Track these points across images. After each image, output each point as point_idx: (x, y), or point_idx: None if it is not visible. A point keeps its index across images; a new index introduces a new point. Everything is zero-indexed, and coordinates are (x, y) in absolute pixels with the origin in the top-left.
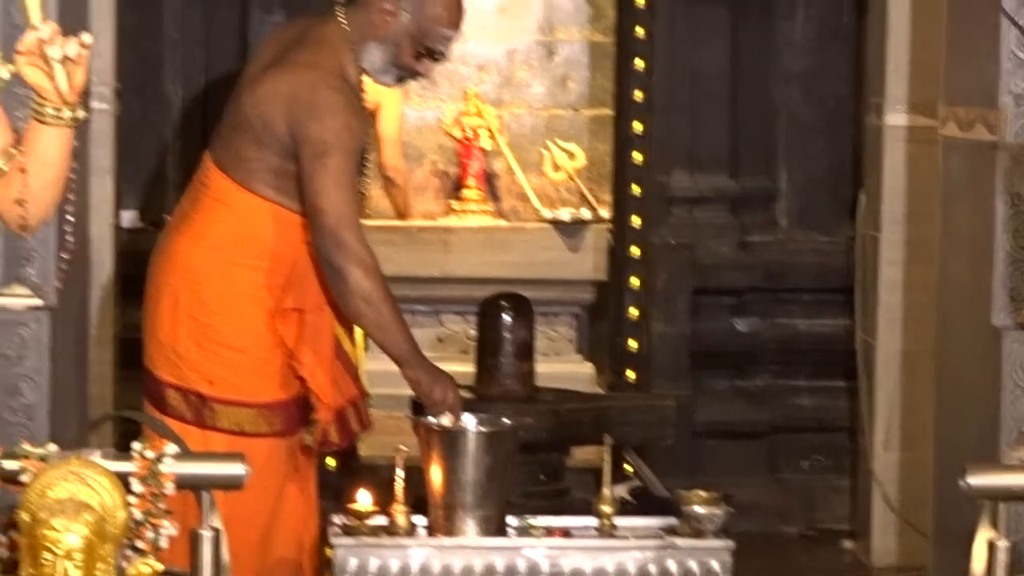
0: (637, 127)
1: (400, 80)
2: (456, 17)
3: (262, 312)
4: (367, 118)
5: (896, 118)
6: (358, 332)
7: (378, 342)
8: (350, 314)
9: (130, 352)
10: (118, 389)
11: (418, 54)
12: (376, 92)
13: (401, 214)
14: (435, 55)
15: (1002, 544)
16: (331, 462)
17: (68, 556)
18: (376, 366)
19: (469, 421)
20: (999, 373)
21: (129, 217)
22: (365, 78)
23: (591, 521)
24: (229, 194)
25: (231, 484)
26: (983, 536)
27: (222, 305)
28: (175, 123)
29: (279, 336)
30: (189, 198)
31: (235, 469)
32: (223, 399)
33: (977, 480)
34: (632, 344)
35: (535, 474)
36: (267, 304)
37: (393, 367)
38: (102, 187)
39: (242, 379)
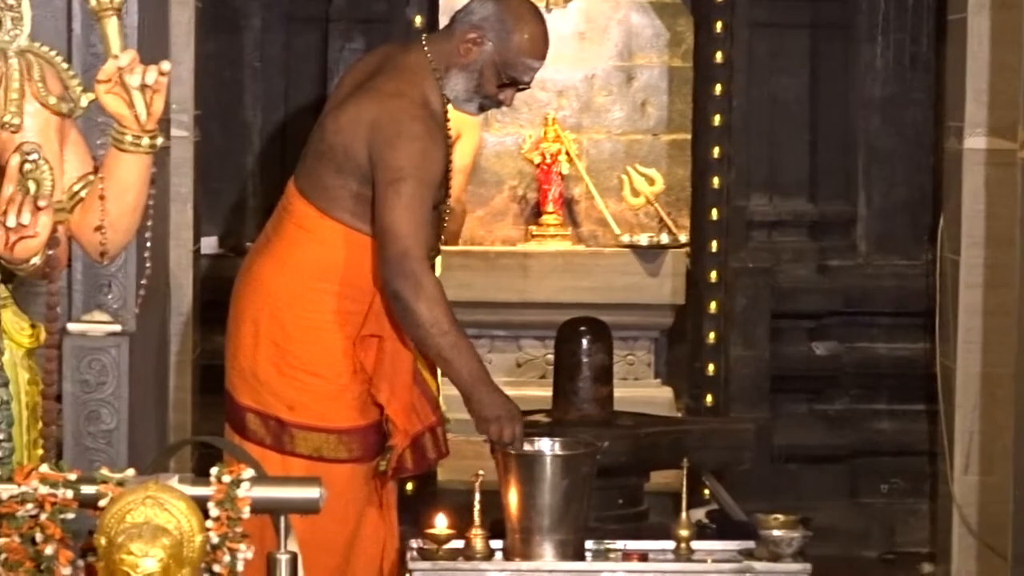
0: (716, 152)
1: (483, 109)
2: (541, 48)
3: (342, 338)
4: (450, 147)
5: (975, 141)
6: None
7: (443, 371)
8: (414, 342)
9: (210, 378)
10: (198, 415)
11: (502, 83)
12: (456, 122)
13: (450, 240)
14: (519, 85)
15: None
16: (409, 486)
17: None
18: (453, 391)
19: (546, 445)
20: None
21: (209, 244)
22: (449, 106)
23: (668, 545)
24: (310, 220)
25: (307, 508)
26: None
27: (303, 331)
28: (255, 150)
29: (359, 362)
30: (272, 224)
31: (311, 493)
32: (302, 424)
33: None
34: (710, 368)
35: (613, 498)
36: (347, 331)
37: None
38: (182, 214)
39: (321, 405)
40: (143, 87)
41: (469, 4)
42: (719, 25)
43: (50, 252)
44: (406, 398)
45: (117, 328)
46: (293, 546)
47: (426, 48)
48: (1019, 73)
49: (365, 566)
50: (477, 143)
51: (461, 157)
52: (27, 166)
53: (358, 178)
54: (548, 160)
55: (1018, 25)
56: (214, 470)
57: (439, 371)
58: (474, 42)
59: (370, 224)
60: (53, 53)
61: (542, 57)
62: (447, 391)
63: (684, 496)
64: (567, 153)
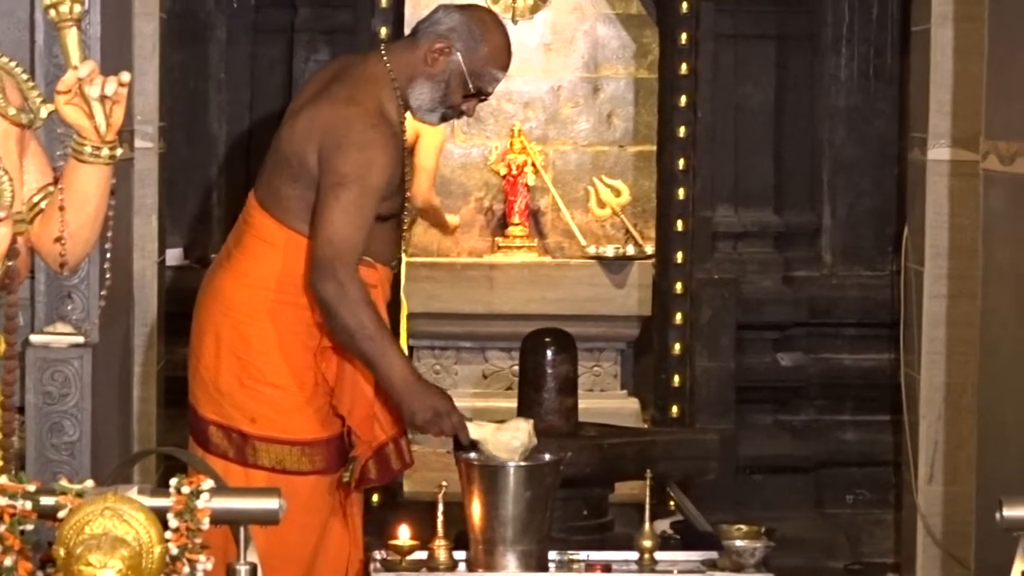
0: (681, 163)
1: (444, 119)
2: (506, 59)
3: (303, 350)
4: (405, 157)
5: (939, 153)
6: None
7: (373, 375)
8: (342, 347)
9: (175, 390)
10: (162, 427)
11: (466, 93)
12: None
13: (443, 231)
14: (482, 95)
15: None
16: (375, 498)
17: None
18: None
19: None
20: None
21: (174, 255)
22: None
23: (633, 556)
24: (270, 231)
25: (267, 519)
26: (1019, 568)
27: (264, 343)
28: (220, 161)
29: (320, 374)
30: (234, 236)
31: (271, 504)
32: (265, 437)
33: (1013, 512)
34: (676, 379)
35: (578, 509)
36: (309, 342)
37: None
38: (147, 225)
39: (284, 417)
40: (103, 98)
41: (434, 15)
42: (684, 36)
43: (9, 263)
44: (367, 409)
45: (80, 339)
46: (253, 557)
47: (385, 58)
48: (982, 84)
49: None
50: (440, 143)
51: (424, 157)
52: None
53: (312, 187)
54: (514, 172)
55: (981, 37)
56: (173, 481)
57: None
58: (442, 52)
59: None
60: (13, 64)
61: (506, 68)
62: None
63: (648, 507)
64: (533, 165)
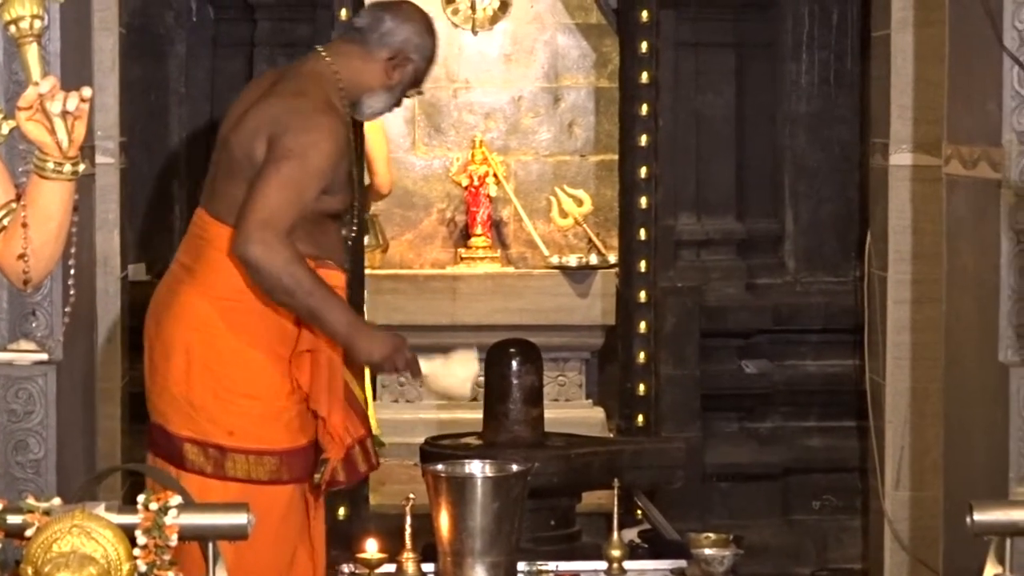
0: (643, 171)
1: (379, 115)
2: (437, 50)
3: (276, 359)
4: (352, 150)
5: (901, 158)
6: (367, 374)
7: (319, 328)
8: (283, 307)
9: (139, 406)
10: (127, 443)
11: (405, 93)
12: None
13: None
14: (418, 89)
15: None
16: (341, 512)
17: None
18: (387, 415)
19: (477, 467)
20: (1007, 410)
21: (137, 270)
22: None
23: (601, 565)
24: (224, 239)
25: (236, 534)
26: (990, 572)
27: (236, 354)
28: (182, 176)
29: (294, 382)
30: (189, 254)
31: (239, 519)
32: (243, 449)
33: (983, 516)
34: (641, 388)
35: (546, 519)
36: (281, 350)
37: (404, 415)
38: (109, 241)
39: (260, 428)
40: (64, 114)
41: (381, 23)
42: (644, 45)
43: None
44: (341, 410)
45: (44, 357)
46: (222, 573)
47: (328, 58)
48: (943, 89)
49: None
50: (383, 127)
51: (376, 145)
52: None
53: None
54: (476, 182)
55: (941, 41)
56: (141, 498)
57: (368, 387)
58: (401, 64)
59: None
60: None
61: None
62: (381, 415)
63: (616, 516)
64: (495, 175)
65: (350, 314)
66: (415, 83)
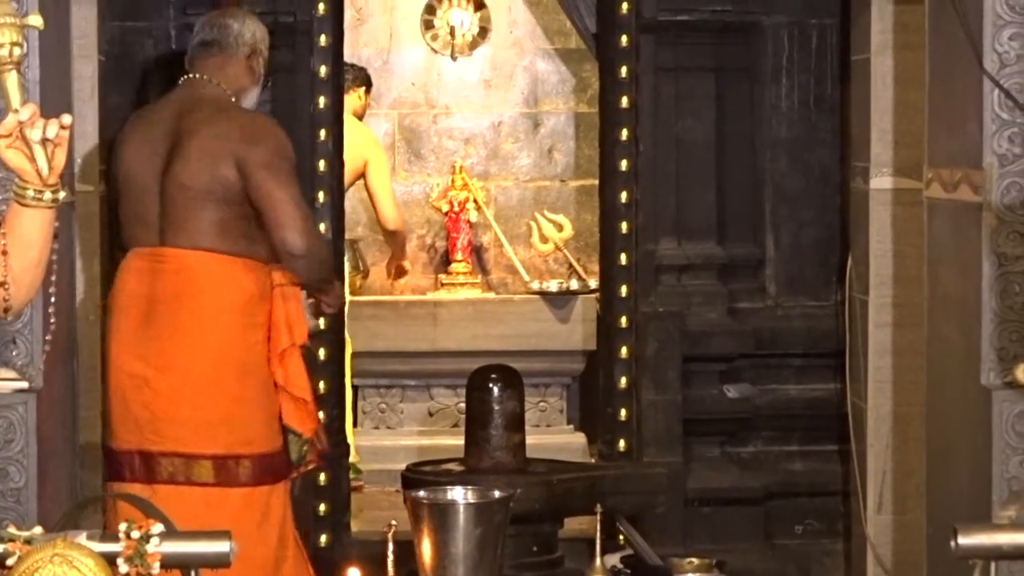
0: (624, 196)
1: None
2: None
3: (266, 364)
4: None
5: (881, 181)
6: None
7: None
8: (310, 279)
9: None
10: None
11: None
12: (360, 147)
13: (398, 264)
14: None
15: None
16: (323, 539)
17: None
18: (367, 441)
19: (459, 494)
20: (989, 433)
21: None
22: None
23: None
24: (213, 265)
25: (218, 562)
26: None
27: (242, 368)
28: None
29: (273, 381)
30: (166, 286)
31: (221, 547)
32: (258, 454)
33: (968, 540)
34: (623, 413)
35: (528, 545)
36: (265, 355)
37: (384, 442)
38: (89, 268)
39: (268, 430)
40: (44, 141)
41: (228, 30)
42: (624, 70)
43: None
44: (311, 392)
45: (24, 385)
46: None
47: (207, 78)
48: (923, 112)
49: None
50: (387, 165)
51: (380, 182)
52: None
53: (237, 196)
54: (456, 208)
55: (921, 64)
56: (123, 526)
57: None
58: (256, 58)
59: (258, 243)
60: None
61: None
62: (360, 442)
63: (598, 542)
64: (475, 201)
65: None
66: (267, 70)
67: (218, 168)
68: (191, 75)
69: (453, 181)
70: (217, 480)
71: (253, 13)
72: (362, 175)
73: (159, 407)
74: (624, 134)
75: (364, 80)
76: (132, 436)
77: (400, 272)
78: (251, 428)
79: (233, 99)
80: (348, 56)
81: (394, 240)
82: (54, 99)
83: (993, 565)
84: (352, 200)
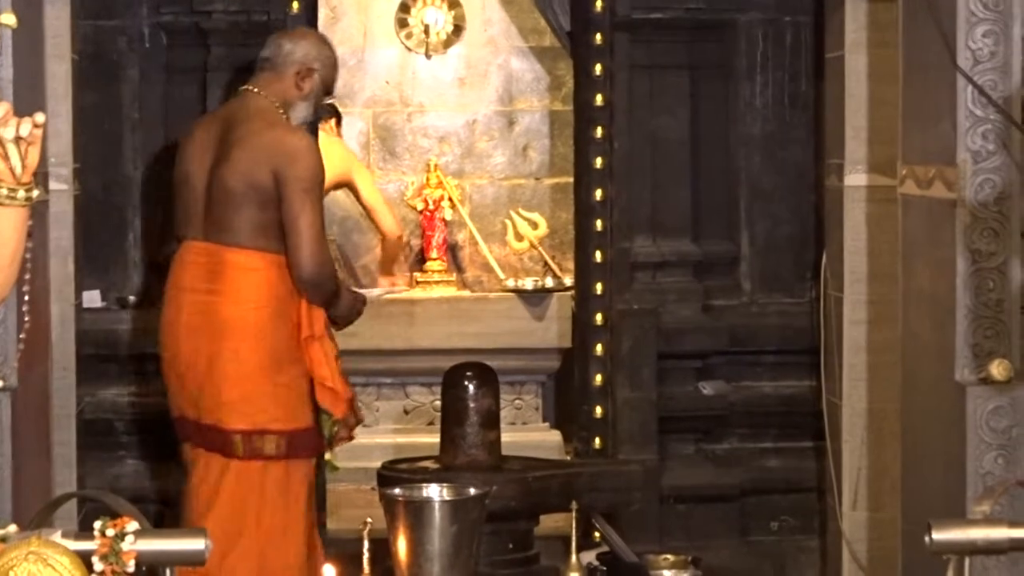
0: (598, 194)
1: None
2: (337, 63)
3: (295, 351)
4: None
5: (856, 178)
6: None
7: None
8: (316, 305)
9: (94, 432)
10: (82, 470)
11: (322, 100)
12: (343, 164)
13: (390, 262)
14: (331, 95)
15: None
16: None
17: None
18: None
19: (435, 491)
20: (964, 429)
21: (91, 297)
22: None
23: None
24: (246, 261)
25: (193, 560)
26: None
27: (270, 349)
28: (136, 202)
29: (304, 368)
30: (206, 281)
31: (197, 544)
32: (286, 430)
33: (942, 536)
34: (598, 410)
35: (503, 543)
36: (295, 343)
37: (360, 440)
38: (63, 268)
39: (297, 408)
40: (17, 139)
41: (281, 48)
42: (598, 68)
43: None
44: (340, 377)
45: None
46: None
47: (258, 91)
48: (897, 110)
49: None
50: (371, 178)
51: (371, 193)
52: None
53: (265, 204)
54: (431, 206)
55: (895, 62)
56: (98, 524)
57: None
58: (307, 75)
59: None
60: None
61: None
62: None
63: (574, 539)
64: (450, 199)
65: (343, 294)
66: (326, 89)
67: (257, 176)
68: (247, 87)
69: (428, 179)
70: (246, 453)
71: (315, 36)
72: (338, 186)
73: (201, 387)
74: (599, 132)
75: (333, 113)
76: (188, 409)
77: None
78: (282, 408)
79: (281, 111)
80: None
81: (397, 246)
82: (27, 98)
83: (967, 561)
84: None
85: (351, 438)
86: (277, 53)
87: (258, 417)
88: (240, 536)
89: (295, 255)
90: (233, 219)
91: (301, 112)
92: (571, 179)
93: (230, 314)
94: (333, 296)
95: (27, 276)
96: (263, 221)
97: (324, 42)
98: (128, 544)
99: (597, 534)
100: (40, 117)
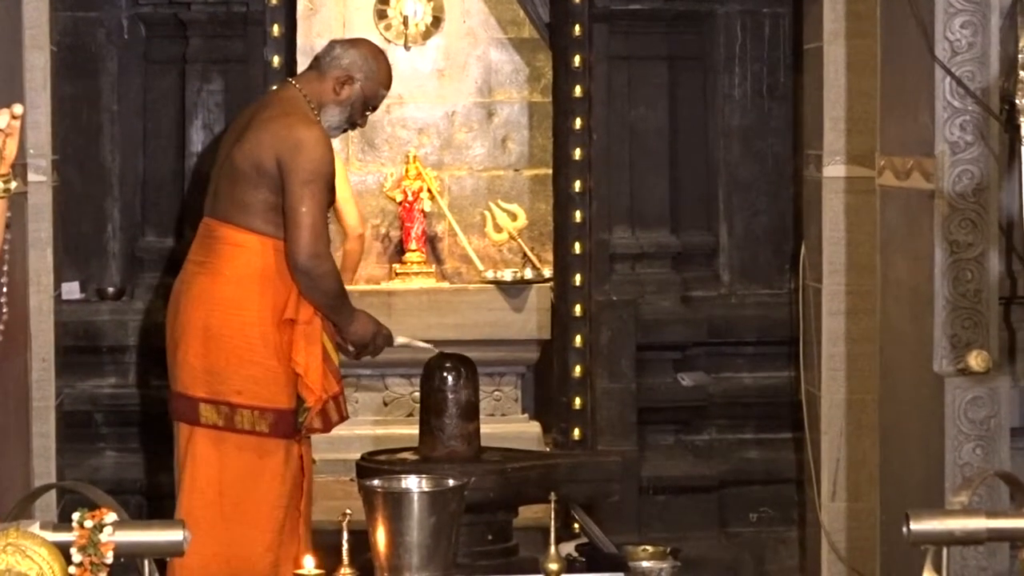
0: (577, 185)
1: (343, 132)
2: (390, 80)
3: (271, 329)
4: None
5: (834, 170)
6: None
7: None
8: (311, 301)
9: (73, 424)
10: (61, 462)
11: (363, 111)
12: None
13: (352, 269)
14: (375, 110)
15: None
16: None
17: None
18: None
19: (413, 482)
20: (942, 420)
21: (70, 289)
22: None
23: None
24: (238, 237)
25: (171, 551)
26: None
27: (242, 326)
28: (115, 194)
29: (283, 348)
30: (199, 253)
31: (175, 536)
32: (249, 405)
33: (920, 526)
34: (577, 402)
35: (482, 534)
36: (276, 323)
37: (339, 431)
38: (42, 259)
39: (263, 388)
40: None
41: (332, 51)
42: (577, 59)
43: None
44: (319, 368)
45: None
46: None
47: (297, 85)
48: (875, 101)
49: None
50: (346, 174)
51: (342, 187)
52: None
53: (271, 188)
54: (410, 198)
55: (873, 53)
56: (76, 515)
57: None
58: (347, 82)
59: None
60: None
61: (390, 86)
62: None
63: (553, 530)
64: (429, 190)
65: (351, 307)
66: (367, 102)
67: (261, 159)
68: (290, 79)
69: (407, 171)
70: (210, 422)
71: (368, 48)
72: None
73: (174, 353)
74: (578, 123)
75: None
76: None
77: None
78: (253, 385)
79: (314, 109)
80: (301, 47)
81: (359, 244)
82: (6, 89)
83: (945, 551)
84: None
85: (325, 431)
86: (326, 55)
87: (221, 388)
88: (206, 508)
89: (291, 244)
90: (233, 197)
91: (334, 116)
92: (550, 171)
93: (209, 285)
94: (336, 300)
95: (5, 267)
96: (261, 203)
97: (377, 57)
98: (106, 535)
99: (576, 525)
100: (18, 108)
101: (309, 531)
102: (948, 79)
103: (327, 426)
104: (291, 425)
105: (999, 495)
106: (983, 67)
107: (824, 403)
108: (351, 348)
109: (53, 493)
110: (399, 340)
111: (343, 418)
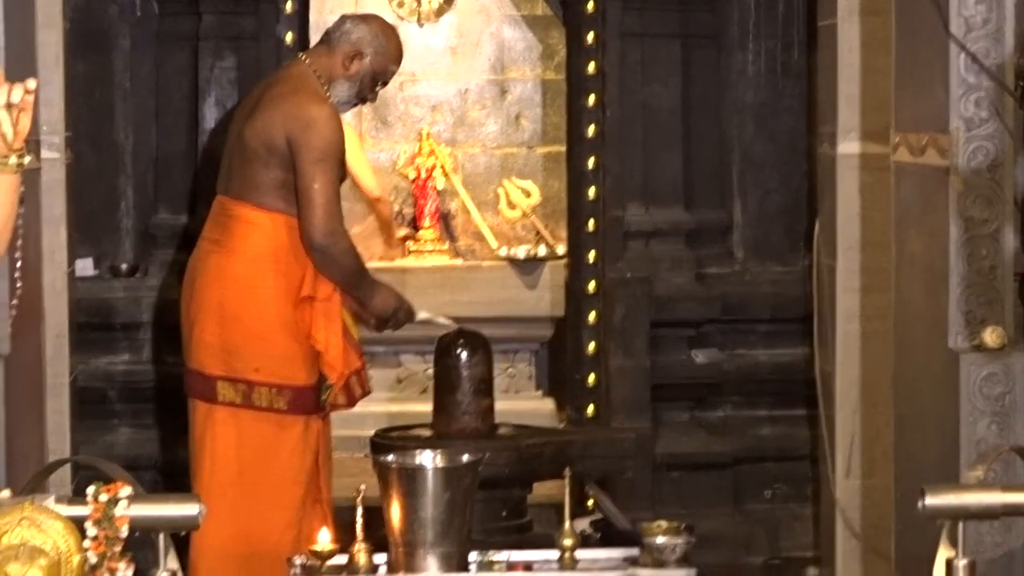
0: (591, 163)
1: (353, 107)
2: (401, 56)
3: (288, 306)
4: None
5: (849, 146)
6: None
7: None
8: (334, 282)
9: (87, 400)
10: (76, 438)
11: (373, 86)
12: None
13: (389, 235)
14: (384, 85)
15: (961, 563)
16: None
17: None
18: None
19: (428, 458)
20: (957, 396)
21: (84, 265)
22: None
23: (553, 555)
24: (253, 215)
25: (187, 525)
26: (943, 555)
27: (258, 304)
28: (127, 171)
29: (300, 326)
30: (214, 231)
31: (190, 510)
32: (266, 383)
33: (935, 500)
34: (591, 378)
35: (497, 510)
36: (290, 299)
37: (353, 408)
38: (55, 236)
39: (281, 366)
40: (9, 106)
41: (343, 26)
42: (591, 36)
43: None
44: (339, 345)
45: None
46: (173, 563)
47: (307, 61)
48: (890, 77)
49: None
50: (357, 140)
51: (357, 154)
52: None
53: (282, 166)
54: (423, 175)
55: (888, 30)
56: (90, 489)
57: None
58: (357, 57)
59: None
60: None
61: (401, 62)
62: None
63: (567, 506)
64: (442, 168)
65: (372, 280)
66: (376, 78)
67: (272, 137)
68: (300, 54)
69: (420, 148)
70: (226, 400)
71: (379, 24)
72: None
73: (190, 331)
74: (591, 100)
75: None
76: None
77: (397, 238)
78: (269, 361)
79: (324, 84)
80: (314, 24)
81: (382, 207)
82: (18, 66)
83: (960, 525)
84: None
85: (349, 407)
86: (336, 29)
87: (238, 365)
88: (227, 488)
89: (305, 222)
90: (244, 176)
91: (343, 91)
92: (563, 148)
93: (223, 263)
94: (355, 276)
95: (19, 243)
96: (272, 181)
97: (387, 33)
98: (121, 509)
99: (591, 501)
100: (32, 83)
101: (331, 509)
102: (963, 55)
103: (351, 401)
104: (311, 401)
105: (1015, 471)
106: (998, 43)
107: (838, 380)
108: (372, 321)
109: (68, 469)
110: (421, 315)
111: (366, 392)
